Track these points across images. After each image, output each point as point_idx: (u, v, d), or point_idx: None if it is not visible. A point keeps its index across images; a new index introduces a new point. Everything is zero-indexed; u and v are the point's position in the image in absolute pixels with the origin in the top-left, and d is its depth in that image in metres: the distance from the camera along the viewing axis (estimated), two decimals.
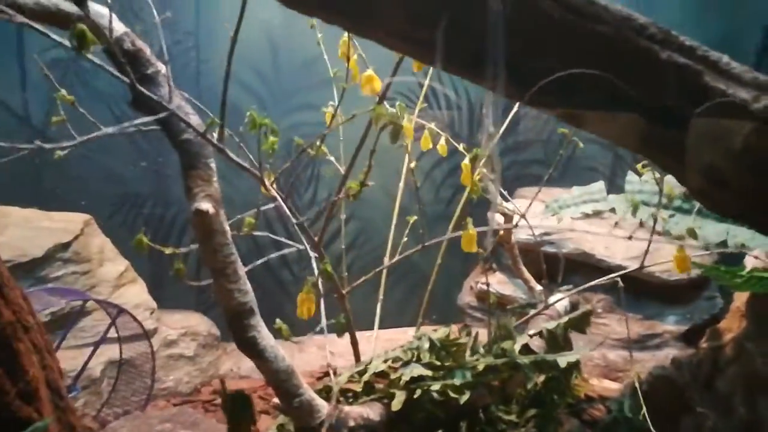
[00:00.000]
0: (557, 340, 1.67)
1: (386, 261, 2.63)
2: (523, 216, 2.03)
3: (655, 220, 1.86)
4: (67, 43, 1.06)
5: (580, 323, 1.80)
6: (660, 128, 1.17)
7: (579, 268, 3.29)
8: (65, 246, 2.77)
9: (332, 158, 1.84)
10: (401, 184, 2.84)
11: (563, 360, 1.46)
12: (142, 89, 1.15)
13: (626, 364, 3.06)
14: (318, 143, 1.53)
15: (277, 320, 1.15)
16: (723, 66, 1.28)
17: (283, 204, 1.23)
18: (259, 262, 1.98)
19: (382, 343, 3.62)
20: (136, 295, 2.94)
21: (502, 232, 2.53)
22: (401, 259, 2.08)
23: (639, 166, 1.87)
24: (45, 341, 1.56)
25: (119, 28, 1.33)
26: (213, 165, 1.28)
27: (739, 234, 1.96)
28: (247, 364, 3.20)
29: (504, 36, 1.10)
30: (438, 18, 1.09)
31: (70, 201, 3.13)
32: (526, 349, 1.60)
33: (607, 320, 3.14)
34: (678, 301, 3.18)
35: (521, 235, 3.09)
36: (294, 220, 1.18)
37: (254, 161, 1.75)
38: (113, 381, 2.65)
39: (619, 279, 1.84)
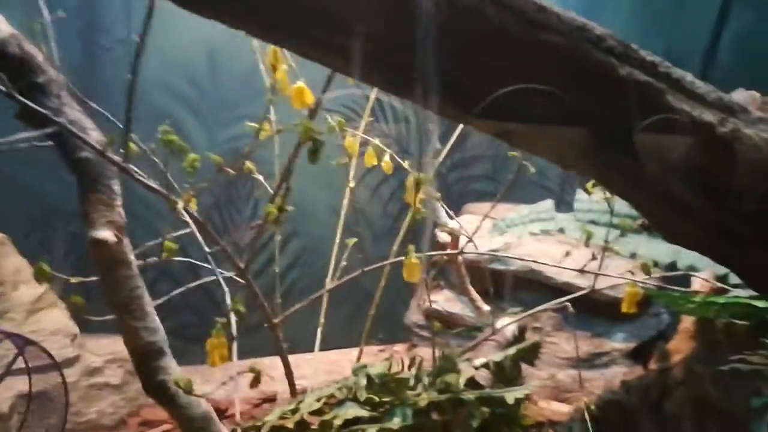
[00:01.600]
0: (505, 372, 1.57)
1: (327, 283, 2.49)
2: (470, 239, 1.93)
3: (606, 243, 1.79)
4: None
5: (529, 355, 1.70)
6: (614, 149, 1.07)
7: (527, 286, 3.23)
8: None
9: (260, 177, 1.70)
10: (345, 202, 2.71)
11: (510, 396, 1.36)
12: (23, 99, 0.98)
13: (575, 384, 3.00)
14: (243, 160, 1.39)
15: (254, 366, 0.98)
16: (687, 85, 1.20)
17: (195, 229, 1.08)
18: (175, 292, 1.82)
19: (325, 365, 3.46)
20: (55, 320, 2.70)
21: (447, 250, 2.42)
22: (341, 284, 1.94)
23: (589, 185, 1.80)
24: None
25: (4, 29, 1.16)
26: (117, 188, 1.12)
27: (688, 256, 1.91)
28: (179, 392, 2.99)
29: (436, 46, 0.97)
30: (356, 21, 0.96)
31: None
32: (471, 383, 1.49)
33: (556, 338, 3.08)
34: (625, 319, 3.14)
35: (469, 251, 3.00)
36: (207, 249, 1.04)
37: (173, 181, 1.59)
38: (22, 416, 2.40)
39: (569, 304, 1.75)
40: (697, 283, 1.91)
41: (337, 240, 2.28)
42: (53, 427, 2.48)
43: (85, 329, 2.93)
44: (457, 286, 3.48)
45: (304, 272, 3.62)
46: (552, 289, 3.14)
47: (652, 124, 1.16)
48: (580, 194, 2.23)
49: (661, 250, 1.97)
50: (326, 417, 1.35)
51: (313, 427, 1.46)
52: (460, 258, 2.52)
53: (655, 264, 1.81)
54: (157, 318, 1.17)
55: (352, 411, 1.32)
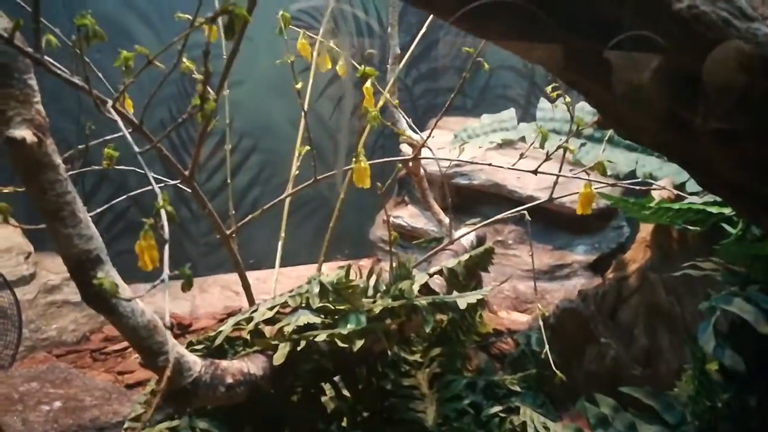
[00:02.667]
0: (458, 279, 1.56)
1: (287, 201, 2.42)
2: (424, 144, 1.87)
3: (565, 151, 1.76)
4: None
5: (482, 261, 1.69)
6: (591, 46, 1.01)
7: (490, 200, 3.22)
8: None
9: (197, 75, 1.59)
10: (305, 107, 2.60)
11: (462, 301, 1.35)
12: None
13: (534, 295, 3.06)
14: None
15: (184, 268, 0.94)
16: None
17: (124, 130, 1.00)
18: (105, 206, 1.75)
19: (290, 281, 3.45)
20: (6, 238, 2.62)
21: (410, 164, 2.37)
22: (294, 193, 1.88)
23: (548, 89, 1.74)
24: None
25: None
26: (33, 83, 1.02)
27: (647, 164, 1.89)
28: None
29: None
30: None
31: None
32: (426, 289, 1.48)
33: (518, 251, 3.11)
34: (586, 231, 3.18)
35: (432, 167, 2.96)
36: (136, 149, 0.96)
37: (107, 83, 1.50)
38: None
39: (526, 212, 1.73)
40: (656, 193, 1.91)
41: (297, 154, 2.20)
42: (11, 343, 2.45)
43: (41, 247, 2.86)
44: (420, 202, 3.47)
45: (266, 189, 3.55)
46: (515, 202, 3.13)
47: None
48: (542, 103, 2.18)
49: (620, 159, 1.94)
50: (279, 325, 1.34)
51: (266, 335, 1.44)
52: (422, 171, 2.47)
53: (617, 177, 1.79)
54: (92, 225, 1.11)
55: (304, 318, 1.30)
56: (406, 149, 3.19)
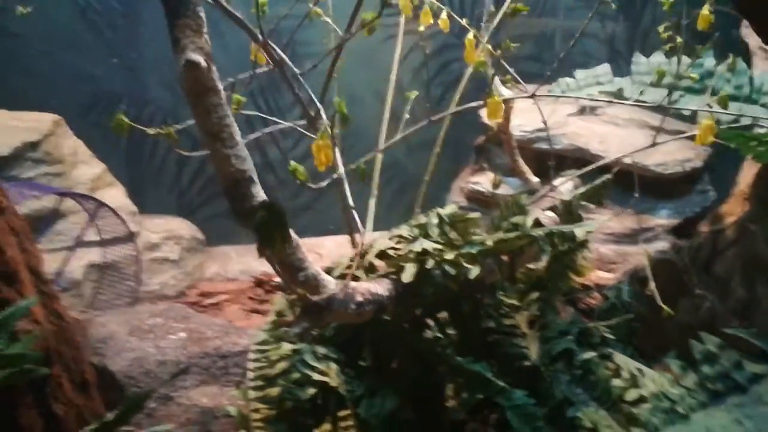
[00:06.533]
0: (572, 213, 1.61)
1: (378, 157, 2.51)
2: (533, 95, 1.92)
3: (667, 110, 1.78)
4: None
5: (597, 194, 1.73)
6: None
7: (573, 165, 3.22)
8: (34, 145, 2.60)
9: (328, 19, 1.67)
10: (392, 77, 2.68)
11: (581, 230, 1.39)
12: None
13: (618, 257, 3.05)
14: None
15: (291, 162, 1.04)
16: None
17: (283, 62, 1.09)
18: (252, 136, 1.85)
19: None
20: (114, 198, 2.80)
21: (500, 122, 2.42)
22: (406, 136, 1.91)
23: (662, 34, 1.76)
24: (23, 225, 1.44)
25: None
26: (202, 14, 1.13)
27: (751, 111, 1.89)
28: (234, 267, 3.13)
29: None
30: None
31: (38, 102, 2.91)
32: (536, 225, 1.54)
33: (600, 215, 3.10)
34: (670, 195, 3.15)
35: (515, 132, 2.98)
36: (297, 71, 1.04)
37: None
38: (96, 284, 2.55)
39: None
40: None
41: (386, 120, 2.26)
42: (121, 295, 2.64)
43: (142, 210, 3.04)
44: (500, 168, 3.50)
45: (348, 158, 3.65)
46: (597, 167, 3.13)
47: None
48: (637, 57, 2.18)
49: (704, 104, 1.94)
50: (401, 251, 1.42)
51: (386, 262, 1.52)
52: (511, 130, 2.51)
53: (718, 122, 1.79)
54: (245, 148, 1.21)
55: (426, 244, 1.37)
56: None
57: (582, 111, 3.26)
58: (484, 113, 3.32)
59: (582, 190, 1.67)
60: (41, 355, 1.21)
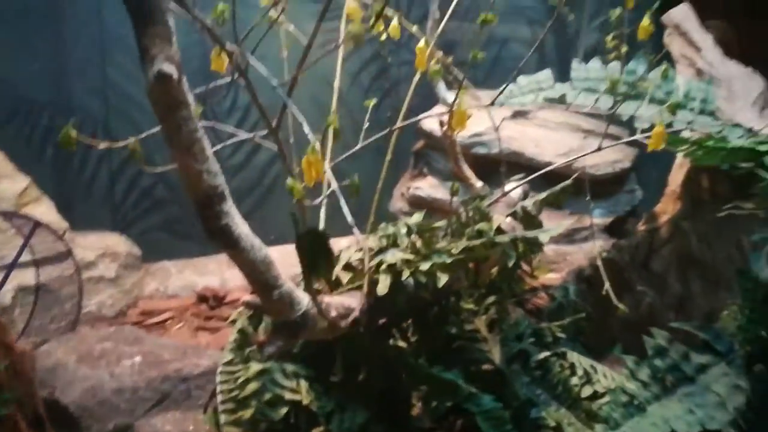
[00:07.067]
0: (533, 219, 1.65)
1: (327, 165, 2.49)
2: (493, 103, 1.96)
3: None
4: None
5: (558, 199, 1.79)
6: None
7: (510, 169, 3.32)
8: None
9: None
10: (336, 84, 2.66)
11: (545, 235, 1.44)
12: None
13: (557, 257, 3.17)
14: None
15: (288, 180, 1.01)
16: None
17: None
18: (218, 146, 1.78)
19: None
20: (43, 214, 2.63)
21: (444, 129, 2.45)
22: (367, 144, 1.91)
23: (608, 39, 1.86)
24: None
25: None
26: (172, 22, 1.08)
27: (682, 117, 2.01)
28: (174, 283, 3.01)
29: None
30: None
31: None
32: (498, 231, 1.57)
33: (540, 216, 3.21)
34: (601, 196, 3.31)
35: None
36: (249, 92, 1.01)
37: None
38: (29, 308, 2.39)
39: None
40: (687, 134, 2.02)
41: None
42: (56, 318, 2.48)
43: (73, 226, 2.87)
44: (439, 173, 3.56)
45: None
46: (534, 170, 3.24)
47: None
48: (575, 63, 2.27)
49: (656, 112, 2.05)
50: (372, 262, 1.41)
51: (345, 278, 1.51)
52: (454, 136, 2.55)
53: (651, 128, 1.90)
54: (216, 162, 1.17)
55: (399, 254, 1.37)
56: (427, 123, 3.28)
57: (515, 115, 3.36)
58: (424, 120, 3.38)
59: (543, 195, 1.72)
60: None
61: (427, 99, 3.36)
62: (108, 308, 2.73)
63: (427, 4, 3.20)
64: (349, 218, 1.38)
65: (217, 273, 3.15)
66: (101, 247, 2.86)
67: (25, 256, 2.31)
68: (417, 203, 3.47)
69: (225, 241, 1.20)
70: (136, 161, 1.31)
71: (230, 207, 1.19)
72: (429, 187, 3.45)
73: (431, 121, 3.33)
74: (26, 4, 2.83)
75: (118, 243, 2.95)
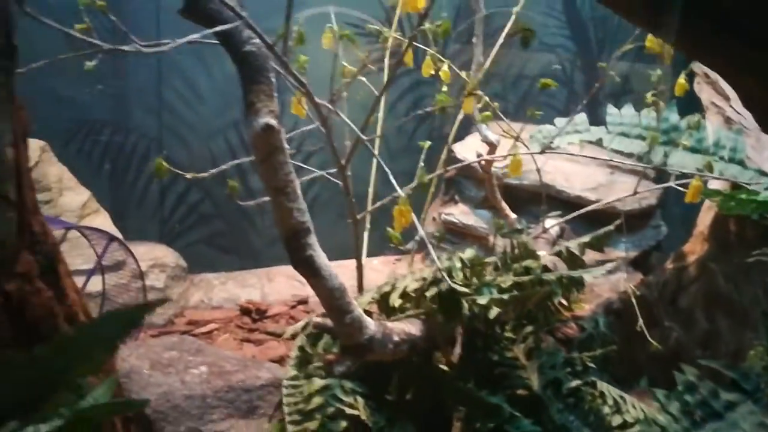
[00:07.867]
0: (576, 260, 1.78)
1: (370, 191, 2.65)
2: (517, 138, 2.10)
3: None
4: None
5: (599, 243, 1.92)
6: None
7: (538, 199, 3.45)
8: None
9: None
10: (380, 114, 2.82)
11: (589, 276, 1.57)
12: None
13: (585, 288, 3.28)
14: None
15: (389, 229, 1.15)
16: None
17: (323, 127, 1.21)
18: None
19: (350, 272, 3.67)
20: (101, 225, 2.79)
21: (484, 162, 2.59)
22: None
23: (648, 95, 1.99)
24: (66, 266, 1.49)
25: None
26: (274, 80, 1.23)
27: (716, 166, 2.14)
28: (218, 295, 3.16)
29: None
30: None
31: None
32: (544, 269, 1.70)
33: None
34: (628, 230, 3.41)
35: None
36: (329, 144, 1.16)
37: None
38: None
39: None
40: (716, 183, 2.14)
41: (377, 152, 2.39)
42: None
43: (125, 236, 3.03)
44: (470, 200, 3.69)
45: (324, 186, 3.75)
46: (563, 202, 3.37)
47: None
48: (610, 108, 2.41)
49: (687, 160, 2.17)
50: (430, 293, 1.55)
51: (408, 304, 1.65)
52: (492, 170, 2.70)
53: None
54: (304, 201, 1.31)
55: (454, 286, 1.51)
56: (460, 150, 3.42)
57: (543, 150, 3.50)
58: (456, 148, 3.52)
59: (586, 239, 1.85)
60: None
61: (460, 127, 3.52)
62: (157, 317, 2.88)
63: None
64: (433, 254, 1.50)
65: (258, 287, 3.29)
66: (151, 258, 3.02)
67: (90, 264, 2.47)
68: (449, 229, 3.60)
69: (308, 271, 1.35)
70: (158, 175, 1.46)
71: (314, 241, 1.34)
72: (460, 213, 3.58)
73: (465, 149, 3.48)
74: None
75: (167, 254, 3.11)
